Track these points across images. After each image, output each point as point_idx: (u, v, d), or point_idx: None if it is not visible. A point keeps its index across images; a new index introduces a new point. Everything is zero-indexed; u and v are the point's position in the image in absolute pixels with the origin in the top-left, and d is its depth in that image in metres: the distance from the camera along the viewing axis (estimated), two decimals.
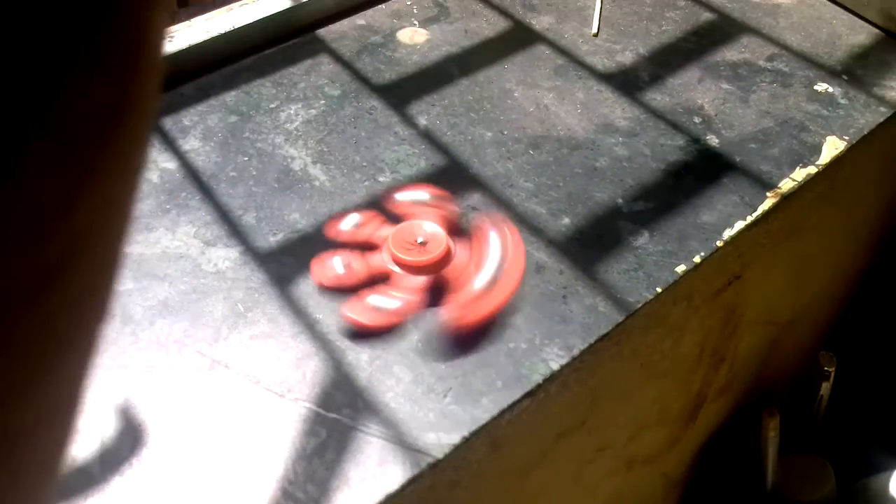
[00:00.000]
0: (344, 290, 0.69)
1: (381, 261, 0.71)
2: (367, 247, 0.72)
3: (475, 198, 0.78)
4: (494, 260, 0.70)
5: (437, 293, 0.69)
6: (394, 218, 0.74)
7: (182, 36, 0.91)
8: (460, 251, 0.72)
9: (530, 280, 0.71)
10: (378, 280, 0.70)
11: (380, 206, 0.76)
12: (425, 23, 0.98)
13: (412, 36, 0.96)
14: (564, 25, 0.98)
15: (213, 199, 0.77)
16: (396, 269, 0.70)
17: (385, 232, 0.72)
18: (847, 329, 1.33)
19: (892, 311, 1.27)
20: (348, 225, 0.74)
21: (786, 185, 0.80)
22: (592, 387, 0.74)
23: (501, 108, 0.87)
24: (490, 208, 0.77)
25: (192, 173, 0.80)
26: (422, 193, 0.77)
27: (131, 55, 0.20)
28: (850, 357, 1.25)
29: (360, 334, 0.67)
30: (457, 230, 0.73)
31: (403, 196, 0.76)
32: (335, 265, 0.70)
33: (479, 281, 0.68)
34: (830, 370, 1.16)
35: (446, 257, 0.70)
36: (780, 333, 1.09)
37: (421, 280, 0.70)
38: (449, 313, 0.68)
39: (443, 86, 0.90)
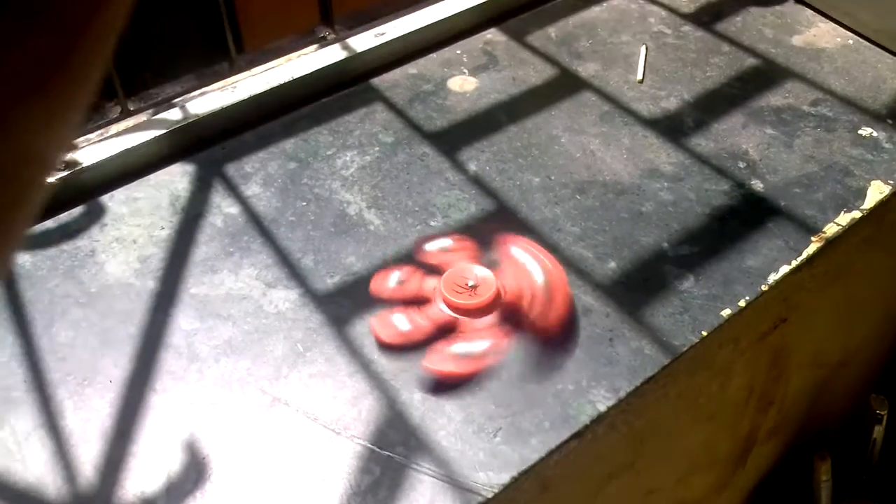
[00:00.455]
0: (413, 346, 0.72)
1: (439, 311, 0.73)
2: (418, 301, 0.75)
3: (510, 237, 0.80)
4: (535, 266, 0.73)
5: (513, 320, 0.72)
6: (430, 269, 0.77)
7: (244, 87, 0.96)
8: (504, 279, 0.75)
9: (578, 323, 0.74)
10: (446, 330, 0.72)
11: (413, 260, 0.79)
12: (475, 71, 1.02)
13: (462, 84, 1.00)
14: (610, 72, 1.01)
15: (274, 242, 0.81)
16: (457, 315, 0.73)
17: (430, 284, 0.75)
18: None
19: None
20: (393, 282, 0.77)
21: (830, 229, 0.81)
22: (640, 429, 0.75)
23: (549, 154, 0.90)
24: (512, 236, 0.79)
25: (253, 218, 0.84)
26: (445, 241, 0.80)
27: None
28: None
29: (449, 384, 0.69)
30: (488, 262, 0.77)
31: (432, 246, 0.80)
32: (399, 322, 0.73)
33: (538, 280, 0.72)
34: (883, 413, 1.15)
35: (479, 311, 0.73)
36: (830, 375, 1.09)
37: (489, 318, 0.72)
38: (536, 325, 0.71)
39: (492, 132, 0.93)
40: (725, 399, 0.87)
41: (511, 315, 0.73)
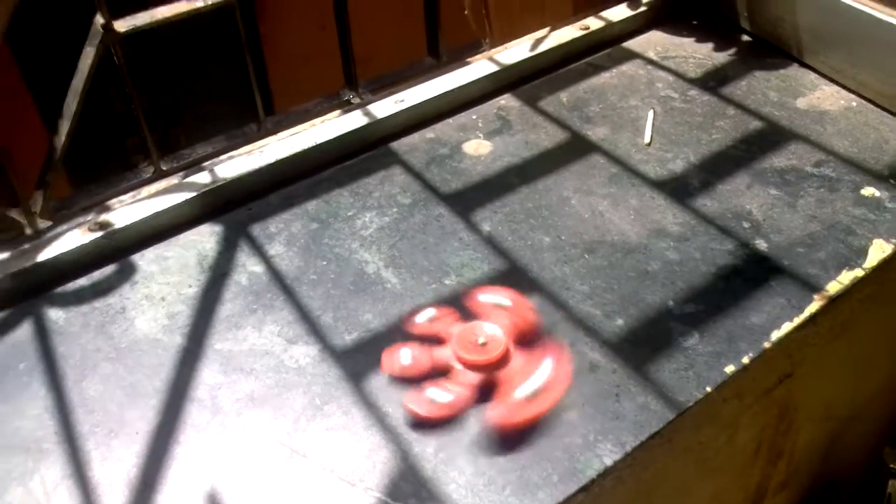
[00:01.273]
0: (408, 381, 0.75)
1: (444, 355, 0.77)
2: (436, 340, 0.78)
3: (536, 301, 0.84)
4: (541, 378, 0.76)
5: (486, 392, 0.75)
6: (470, 316, 0.81)
7: (270, 151, 1.01)
8: (518, 358, 0.77)
9: (585, 378, 0.76)
10: (440, 373, 0.76)
11: (459, 303, 0.83)
12: (489, 135, 1.06)
13: (477, 147, 1.04)
14: (619, 136, 1.05)
15: (296, 300, 0.85)
16: (457, 364, 0.76)
17: (455, 329, 0.78)
18: None
19: None
20: (423, 318, 0.81)
21: (833, 287, 0.84)
22: (647, 481, 0.77)
23: (559, 215, 0.94)
24: (556, 321, 0.82)
25: (276, 276, 0.88)
26: (503, 298, 0.83)
27: None
28: None
29: (419, 424, 0.73)
30: (525, 339, 0.79)
31: (486, 297, 0.83)
32: (402, 356, 0.77)
33: (522, 391, 0.74)
34: None
35: (503, 360, 0.76)
36: (841, 429, 1.10)
37: (475, 377, 0.75)
38: (494, 412, 0.73)
39: (505, 194, 0.97)
40: (733, 452, 0.89)
41: (489, 388, 0.75)
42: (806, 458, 1.06)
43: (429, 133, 1.07)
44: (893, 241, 0.89)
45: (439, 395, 0.74)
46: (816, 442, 1.06)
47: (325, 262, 0.89)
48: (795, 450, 1.00)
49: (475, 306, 0.82)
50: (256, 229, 0.94)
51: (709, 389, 0.75)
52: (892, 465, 1.16)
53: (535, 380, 0.75)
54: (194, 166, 1.03)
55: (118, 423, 0.74)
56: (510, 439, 0.72)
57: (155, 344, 0.81)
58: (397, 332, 0.81)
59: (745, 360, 0.78)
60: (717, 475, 0.89)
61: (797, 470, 1.05)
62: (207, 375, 0.78)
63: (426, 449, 0.71)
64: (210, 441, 0.73)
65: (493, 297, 0.83)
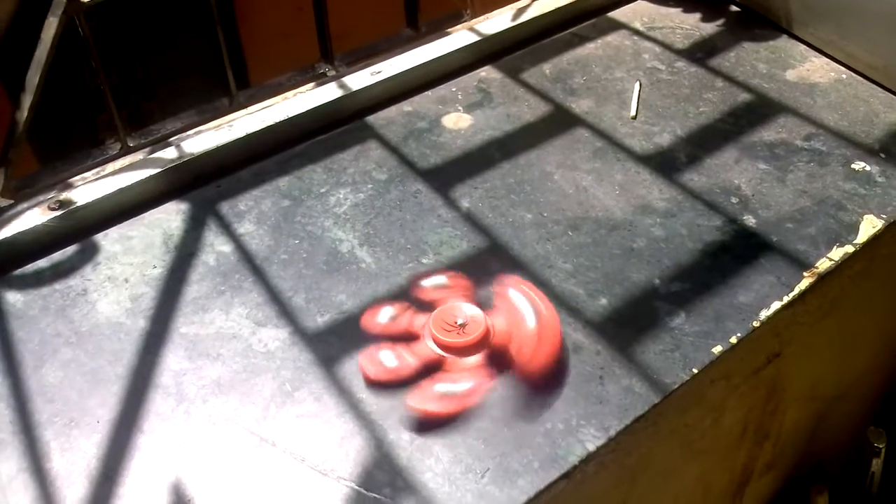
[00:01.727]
0: (399, 383, 0.72)
1: (427, 349, 0.73)
2: (407, 338, 0.75)
3: (508, 277, 0.80)
4: (528, 309, 0.73)
5: (499, 362, 0.72)
6: (423, 306, 0.77)
7: (240, 125, 0.97)
8: (495, 319, 0.74)
9: (568, 360, 0.73)
10: (432, 368, 0.72)
11: (409, 296, 0.79)
12: (469, 108, 1.02)
13: (456, 121, 1.01)
14: (603, 109, 1.02)
15: (266, 281, 0.81)
16: (444, 353, 0.73)
17: (420, 321, 0.75)
18: None
19: None
20: (385, 318, 0.77)
21: (823, 264, 0.81)
22: (631, 466, 0.74)
23: (541, 191, 0.90)
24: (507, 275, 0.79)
25: (245, 256, 0.84)
26: (440, 278, 0.80)
27: None
28: None
29: (432, 424, 0.69)
30: (482, 300, 0.77)
31: (427, 283, 0.79)
32: (385, 359, 0.73)
33: (442, 387, 0.71)
34: (881, 446, 1.14)
35: (466, 349, 0.73)
36: (827, 408, 1.08)
37: (476, 358, 0.72)
38: (412, 395, 0.70)
39: (485, 169, 0.94)
40: (719, 434, 0.87)
41: (498, 356, 0.73)
42: (792, 439, 1.04)
43: (406, 106, 1.03)
44: (884, 216, 0.86)
45: (452, 388, 0.71)
46: (803, 422, 1.04)
47: (296, 241, 0.86)
48: (782, 431, 0.98)
49: (424, 294, 0.79)
50: (225, 207, 0.90)
51: (695, 371, 0.72)
52: (876, 444, 1.14)
53: (457, 385, 0.71)
54: (162, 141, 0.98)
55: (78, 412, 0.71)
56: (422, 424, 0.69)
57: (117, 328, 0.78)
58: (364, 334, 0.77)
59: (733, 339, 0.75)
60: (702, 457, 0.87)
61: (783, 451, 1.03)
62: (172, 361, 0.74)
63: (401, 436, 0.68)
64: (175, 430, 0.69)
65: (433, 281, 0.80)
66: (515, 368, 0.72)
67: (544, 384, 0.71)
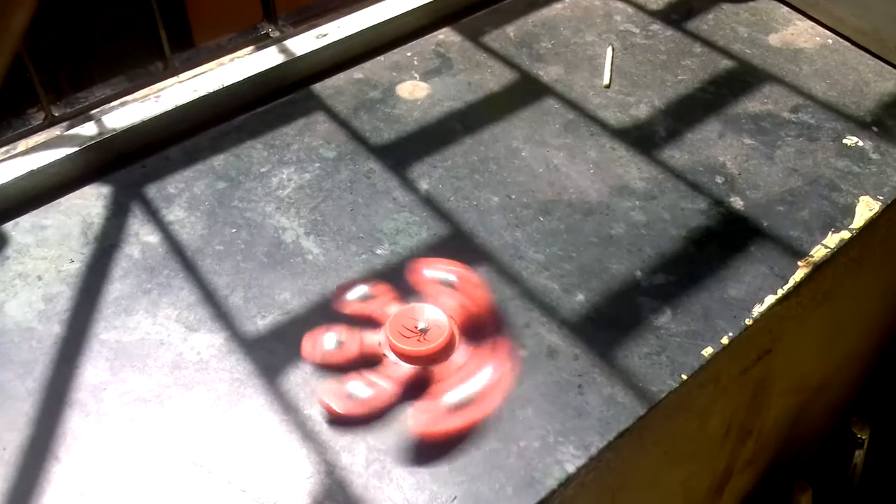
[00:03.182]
0: (333, 370, 0.64)
1: (376, 341, 0.65)
2: (369, 323, 0.66)
3: (484, 274, 0.72)
4: (477, 384, 0.64)
5: (415, 389, 0.63)
6: (410, 295, 0.69)
7: (168, 96, 0.86)
8: (461, 351, 0.66)
9: (543, 367, 0.65)
10: (369, 362, 0.64)
11: (399, 278, 0.70)
12: (426, 76, 0.93)
13: (412, 90, 0.91)
14: (574, 76, 0.93)
15: (198, 276, 0.72)
16: (390, 353, 0.64)
17: (373, 338, 0.66)
18: (880, 393, 1.26)
19: None
20: (355, 295, 0.68)
21: (818, 252, 0.74)
22: (612, 483, 0.67)
23: (508, 170, 0.82)
24: (507, 299, 0.71)
25: (175, 248, 0.74)
26: (450, 275, 0.71)
27: None
28: (885, 423, 1.18)
29: (335, 422, 0.62)
30: (473, 328, 0.67)
31: (431, 273, 0.70)
32: (326, 341, 0.66)
33: (452, 397, 0.62)
34: (864, 437, 1.09)
35: (444, 351, 0.64)
36: (810, 398, 1.02)
37: (406, 371, 0.64)
38: (416, 418, 0.62)
39: (445, 145, 0.85)
40: (704, 437, 0.80)
41: (420, 385, 0.64)
42: (774, 434, 0.98)
43: (356, 73, 0.93)
44: (881, 197, 0.79)
45: (359, 390, 0.63)
46: (785, 416, 0.98)
47: (233, 230, 0.76)
48: (765, 426, 0.92)
49: (419, 283, 0.70)
50: (152, 190, 0.79)
51: (684, 377, 0.65)
52: (859, 436, 1.09)
53: (471, 384, 0.63)
54: (90, 111, 0.87)
55: None
56: (432, 450, 0.60)
57: (28, 334, 0.67)
58: (322, 313, 0.68)
59: (725, 340, 0.67)
60: (685, 463, 0.80)
61: (765, 445, 0.97)
62: (91, 373, 0.65)
63: (356, 459, 0.60)
64: (95, 455, 0.60)
65: (440, 273, 0.71)
66: (414, 413, 0.63)
67: (429, 450, 0.61)
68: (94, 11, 1.93)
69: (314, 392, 0.63)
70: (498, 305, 0.69)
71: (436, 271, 0.71)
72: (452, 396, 0.62)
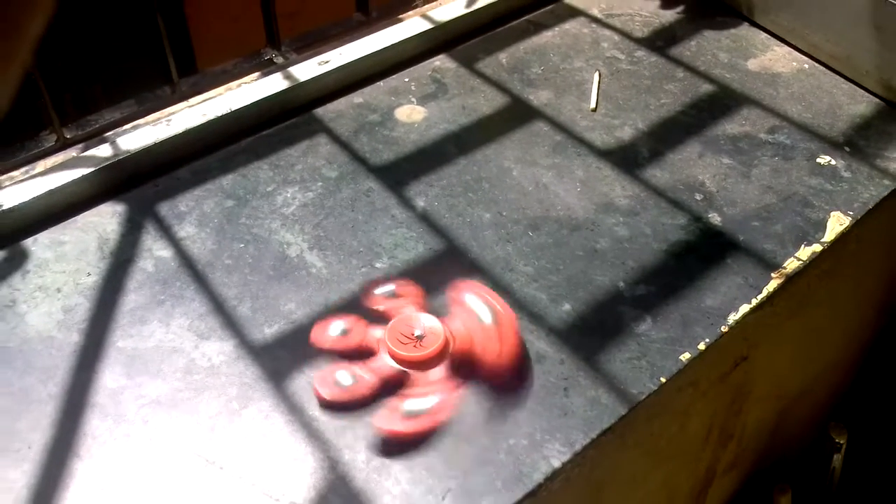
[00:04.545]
0: (357, 404, 0.67)
1: (385, 365, 0.69)
2: (362, 354, 0.70)
3: (463, 283, 0.76)
4: (482, 308, 0.70)
5: (464, 370, 0.68)
6: (375, 318, 0.73)
7: (179, 119, 0.91)
8: (452, 325, 0.71)
9: (528, 357, 0.70)
10: (393, 385, 0.68)
11: (360, 306, 0.75)
12: (423, 100, 0.98)
13: (410, 114, 0.96)
14: (562, 100, 0.98)
15: (208, 288, 0.76)
16: (383, 350, 0.69)
17: (375, 334, 0.70)
18: (857, 399, 1.30)
19: None
20: (336, 332, 0.72)
21: (791, 264, 0.79)
22: (596, 479, 0.71)
23: (500, 188, 0.87)
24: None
25: (187, 262, 0.79)
26: (389, 286, 0.76)
27: None
28: (862, 428, 1.22)
29: (400, 445, 0.65)
30: (435, 308, 0.73)
31: (472, 300, 0.73)
32: (341, 378, 0.68)
33: (410, 405, 0.67)
34: (842, 442, 1.13)
35: (428, 362, 0.68)
36: (790, 405, 1.07)
37: (440, 370, 0.68)
38: (378, 415, 0.66)
39: (441, 165, 0.90)
40: (685, 439, 0.84)
41: (462, 364, 0.69)
42: (755, 438, 1.02)
43: (357, 98, 0.99)
44: (851, 213, 0.84)
45: (343, 378, 0.67)
46: (765, 421, 1.02)
47: (241, 245, 0.81)
48: (745, 431, 0.96)
49: (455, 302, 0.74)
50: (164, 208, 0.84)
51: (663, 380, 0.69)
52: (837, 440, 1.13)
53: (425, 402, 0.67)
54: (101, 134, 0.92)
55: (6, 437, 0.65)
56: (390, 446, 0.65)
57: (49, 342, 0.72)
58: (314, 349, 0.72)
59: (702, 346, 0.72)
60: (667, 463, 0.84)
61: (746, 449, 1.01)
62: (109, 378, 0.69)
63: (357, 456, 0.64)
64: (113, 454, 0.64)
65: (383, 290, 0.75)
66: (483, 369, 0.68)
67: (515, 377, 0.68)
68: (98, 35, 1.98)
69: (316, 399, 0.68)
70: (523, 359, 0.71)
71: (477, 301, 0.73)
72: (411, 405, 0.67)
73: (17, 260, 0.79)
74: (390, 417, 0.66)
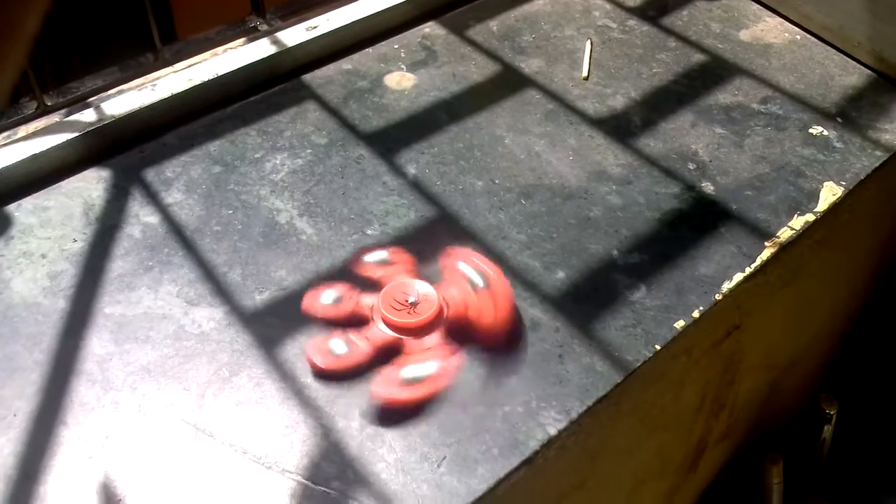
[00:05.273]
0: (352, 372, 0.66)
1: (379, 332, 0.68)
2: (355, 321, 0.69)
3: (455, 249, 0.76)
4: (475, 274, 0.69)
5: (460, 335, 0.68)
6: (368, 285, 0.72)
7: (164, 84, 0.89)
8: (446, 291, 0.70)
9: (526, 338, 0.69)
10: (389, 353, 0.67)
11: (351, 273, 0.74)
12: (413, 67, 0.97)
13: (400, 81, 0.95)
14: (554, 69, 0.97)
15: (197, 255, 0.75)
16: (377, 318, 0.68)
17: (368, 301, 0.69)
18: (847, 370, 1.31)
19: (892, 349, 1.26)
20: (328, 300, 0.71)
21: (784, 234, 0.79)
22: (591, 447, 0.71)
23: (492, 156, 0.86)
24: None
25: (175, 228, 0.77)
26: (381, 253, 0.75)
27: None
28: (852, 399, 1.23)
29: (400, 413, 0.64)
30: (428, 275, 0.72)
31: (464, 267, 0.73)
32: (335, 347, 0.67)
33: (408, 372, 0.66)
34: (832, 413, 1.14)
35: (423, 329, 0.68)
36: (781, 375, 1.07)
37: (435, 336, 0.67)
38: (376, 383, 0.65)
39: (432, 132, 0.88)
40: (678, 408, 0.84)
41: (457, 330, 0.68)
42: (746, 409, 1.03)
43: (346, 64, 0.97)
44: (843, 183, 0.84)
45: (338, 346, 0.67)
46: (757, 391, 1.03)
47: (230, 211, 0.79)
48: (737, 401, 0.97)
49: (447, 269, 0.73)
50: (150, 174, 0.82)
51: (658, 347, 0.69)
52: (827, 411, 1.14)
53: (423, 368, 0.66)
54: (83, 101, 0.90)
55: None
56: (388, 414, 0.64)
57: (35, 309, 0.71)
58: (307, 317, 0.71)
59: (696, 314, 0.72)
60: (661, 432, 0.84)
61: (737, 420, 1.02)
62: (97, 345, 0.68)
63: (350, 423, 0.63)
64: (101, 421, 0.63)
65: (472, 271, 0.73)
66: (479, 334, 0.68)
67: (511, 340, 0.68)
68: (77, 5, 1.94)
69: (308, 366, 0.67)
70: (518, 323, 0.70)
71: (469, 268, 0.72)
72: (408, 372, 0.66)
73: (1, 226, 0.77)
74: (389, 385, 0.65)
